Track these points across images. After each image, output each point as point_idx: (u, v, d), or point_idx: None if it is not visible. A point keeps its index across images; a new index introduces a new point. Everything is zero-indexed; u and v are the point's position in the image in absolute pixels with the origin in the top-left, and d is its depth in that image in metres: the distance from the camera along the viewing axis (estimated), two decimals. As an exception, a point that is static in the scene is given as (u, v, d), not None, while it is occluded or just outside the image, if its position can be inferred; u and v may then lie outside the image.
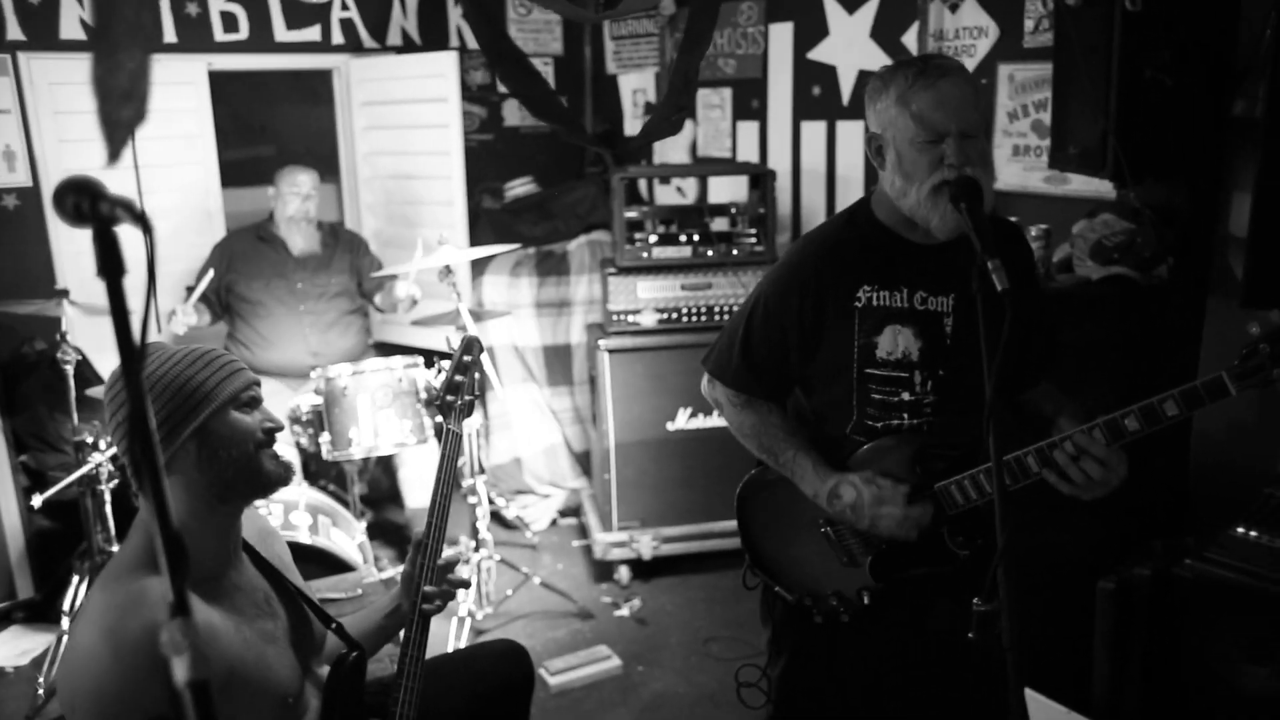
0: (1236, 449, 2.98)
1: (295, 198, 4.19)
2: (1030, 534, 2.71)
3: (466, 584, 1.99)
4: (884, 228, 1.92)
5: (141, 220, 0.91)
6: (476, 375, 2.25)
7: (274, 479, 1.73)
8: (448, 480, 2.03)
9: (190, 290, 4.03)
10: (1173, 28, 2.65)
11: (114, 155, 0.95)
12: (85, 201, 0.93)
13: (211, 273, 4.04)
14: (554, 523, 4.77)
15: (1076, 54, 2.76)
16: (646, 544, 4.06)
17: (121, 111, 0.93)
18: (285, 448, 3.84)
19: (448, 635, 3.64)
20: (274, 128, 6.48)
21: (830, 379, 1.95)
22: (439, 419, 2.21)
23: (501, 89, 5.39)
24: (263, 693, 1.65)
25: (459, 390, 2.19)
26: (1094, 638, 2.66)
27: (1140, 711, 2.61)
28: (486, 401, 4.64)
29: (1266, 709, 2.30)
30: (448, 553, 1.98)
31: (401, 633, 1.93)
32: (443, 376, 2.21)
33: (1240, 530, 2.43)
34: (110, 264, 0.94)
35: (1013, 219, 3.18)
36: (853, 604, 1.99)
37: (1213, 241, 2.97)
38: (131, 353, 0.93)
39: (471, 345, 2.26)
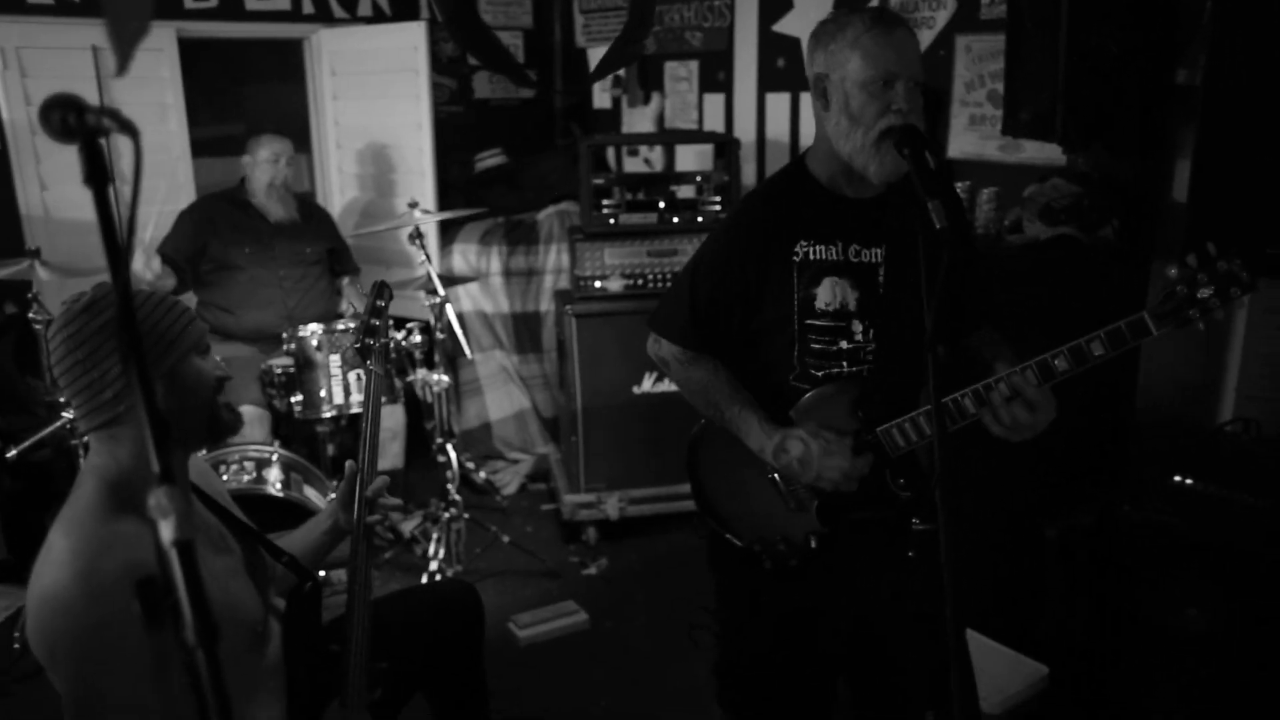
0: (1179, 404, 3.10)
1: (271, 165, 4.21)
2: (978, 487, 2.84)
3: (399, 505, 2.10)
4: (819, 183, 2.00)
5: (129, 127, 0.97)
6: (390, 319, 2.41)
7: (228, 426, 1.82)
8: (375, 416, 2.15)
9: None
10: (1118, -3, 2.76)
11: (122, 67, 1.02)
12: (72, 115, 0.99)
13: None
14: (523, 488, 4.84)
15: (1027, 23, 2.86)
16: (613, 505, 4.15)
17: (127, 23, 1.00)
18: (258, 410, 3.89)
19: (418, 592, 3.72)
20: (243, 103, 6.48)
21: (774, 331, 2.02)
22: (370, 365, 2.33)
23: (472, 61, 5.43)
24: (233, 624, 1.70)
25: (375, 333, 2.31)
26: (1040, 583, 2.78)
27: (1083, 652, 2.73)
28: (457, 367, 4.71)
29: (1200, 647, 2.42)
30: (378, 483, 2.07)
31: (346, 572, 2.02)
32: (358, 320, 2.34)
33: (1177, 479, 2.54)
34: (97, 172, 1.00)
35: (965, 183, 3.29)
36: (800, 549, 2.05)
37: (1158, 206, 3.08)
38: (119, 256, 0.99)
39: (382, 290, 2.39)
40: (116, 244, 0.99)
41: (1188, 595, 2.44)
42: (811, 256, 1.97)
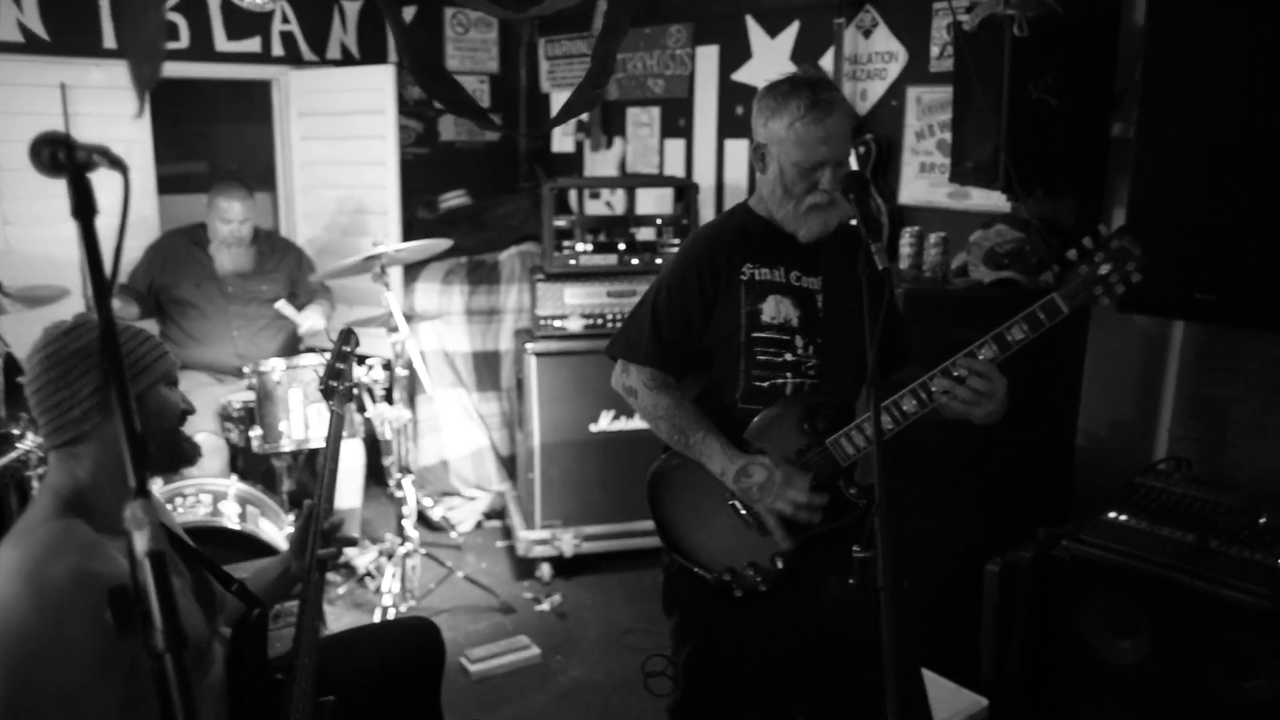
0: (1117, 443, 3.22)
1: (225, 225, 4.23)
2: (924, 524, 2.92)
3: (354, 541, 2.15)
4: (762, 220, 2.22)
5: (117, 163, 1.04)
6: (354, 363, 2.52)
7: (186, 456, 1.91)
8: (334, 455, 2.24)
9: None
10: (1057, 53, 2.91)
11: (141, 108, 1.10)
12: (61, 151, 1.05)
13: None
14: (479, 525, 4.86)
15: (972, 76, 3.00)
16: (568, 541, 4.18)
17: (144, 69, 1.09)
18: (215, 440, 3.90)
19: (373, 626, 3.72)
20: (209, 142, 6.51)
21: (723, 346, 2.17)
22: (335, 404, 2.41)
23: (437, 106, 5.52)
24: None
25: (340, 376, 2.42)
26: (981, 617, 2.86)
27: (1021, 683, 2.81)
28: (416, 404, 4.74)
29: (1132, 678, 2.51)
30: (334, 519, 2.14)
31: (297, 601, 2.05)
32: (324, 365, 2.44)
33: (1112, 515, 2.65)
34: (84, 206, 1.06)
35: (914, 228, 3.41)
36: (769, 572, 2.13)
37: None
38: (103, 286, 1.04)
39: (349, 336, 2.49)
40: (101, 274, 1.05)
41: (1121, 628, 2.53)
42: (757, 277, 2.16)
